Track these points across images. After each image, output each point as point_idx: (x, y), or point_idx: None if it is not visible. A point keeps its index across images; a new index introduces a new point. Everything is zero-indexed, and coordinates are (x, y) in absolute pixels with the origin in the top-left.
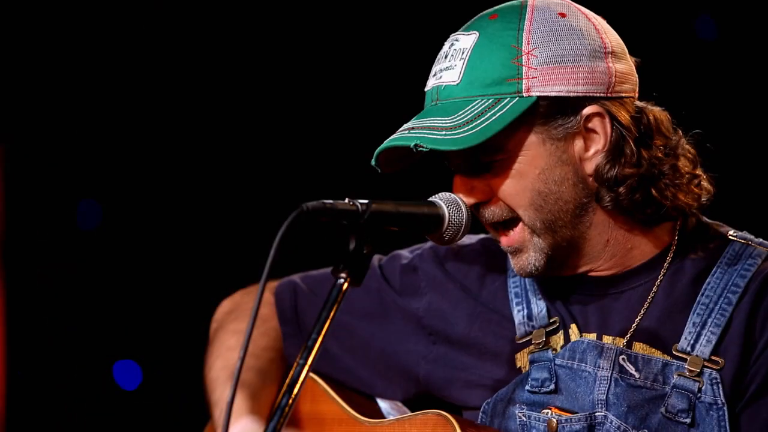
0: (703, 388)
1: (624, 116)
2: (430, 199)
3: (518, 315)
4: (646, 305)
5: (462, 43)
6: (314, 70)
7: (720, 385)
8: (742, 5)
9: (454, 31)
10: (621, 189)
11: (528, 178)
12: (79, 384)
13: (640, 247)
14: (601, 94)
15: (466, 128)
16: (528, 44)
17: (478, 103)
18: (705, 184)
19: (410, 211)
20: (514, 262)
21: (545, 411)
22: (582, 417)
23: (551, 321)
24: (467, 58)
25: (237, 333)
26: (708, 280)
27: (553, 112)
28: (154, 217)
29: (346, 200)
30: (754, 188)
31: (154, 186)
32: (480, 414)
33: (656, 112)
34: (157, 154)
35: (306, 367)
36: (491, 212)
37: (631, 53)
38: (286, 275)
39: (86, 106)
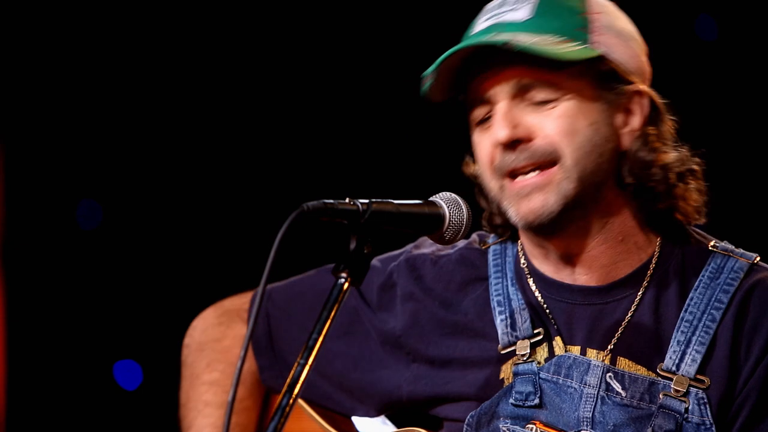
0: (689, 408)
1: (660, 105)
2: (430, 199)
3: (501, 324)
4: (628, 317)
5: None
6: (314, 70)
7: (707, 405)
8: (743, 6)
9: (453, 33)
10: (654, 171)
11: (581, 123)
12: (80, 384)
13: (627, 247)
14: (641, 81)
15: (555, 47)
16: (593, 7)
17: (551, 38)
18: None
19: (411, 211)
20: (524, 204)
21: (529, 426)
22: None
23: (535, 332)
24: (536, 2)
25: (213, 386)
26: (691, 295)
27: (609, 77)
28: (154, 217)
29: (347, 200)
30: (755, 187)
31: (154, 186)
32: (465, 426)
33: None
34: (158, 154)
35: (306, 367)
36: (530, 151)
37: None
38: (287, 275)
39: (86, 106)
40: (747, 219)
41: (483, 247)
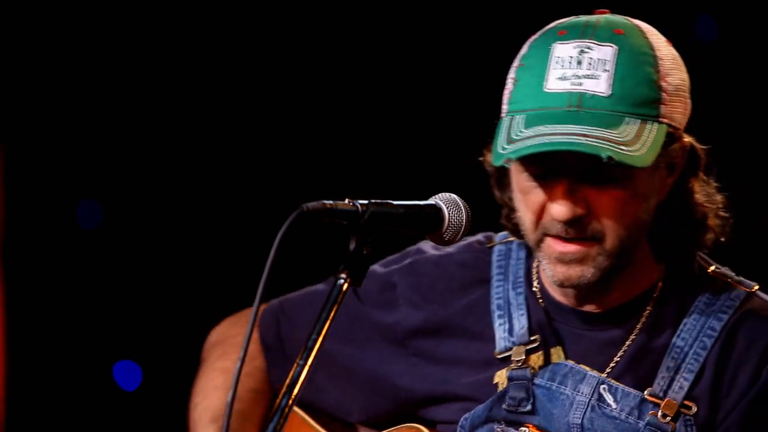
0: (676, 430)
1: (699, 150)
2: (429, 199)
3: (499, 329)
4: (628, 344)
5: (599, 53)
6: (314, 70)
7: (694, 428)
8: (744, 5)
9: (454, 33)
10: (695, 218)
11: (634, 204)
12: (79, 384)
13: (634, 282)
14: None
15: (637, 146)
16: (663, 69)
17: (630, 122)
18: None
19: (410, 212)
20: (560, 271)
21: (523, 429)
22: None
23: (532, 339)
24: (613, 71)
25: (224, 372)
26: (684, 320)
27: (668, 143)
28: (154, 218)
29: (346, 201)
30: (757, 187)
31: (154, 186)
32: (458, 428)
33: (701, 149)
34: (158, 155)
35: (306, 368)
36: (580, 228)
37: None
38: (287, 276)
39: (87, 106)
40: (748, 219)
41: (488, 246)
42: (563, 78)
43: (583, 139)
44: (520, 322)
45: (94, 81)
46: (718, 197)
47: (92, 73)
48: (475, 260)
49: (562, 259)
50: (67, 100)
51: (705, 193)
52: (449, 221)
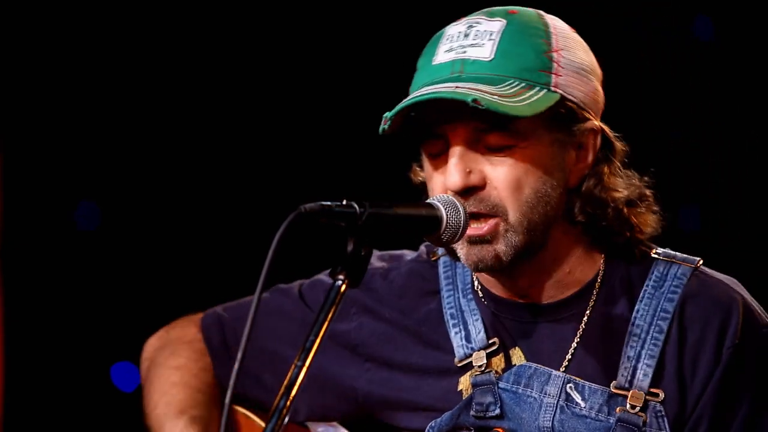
0: (647, 421)
1: (614, 140)
2: (427, 201)
3: (456, 337)
4: (578, 336)
5: (486, 26)
6: (312, 71)
7: (665, 418)
8: (740, 6)
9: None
10: (609, 210)
11: (531, 176)
12: (77, 385)
13: (574, 273)
14: (596, 115)
15: (516, 99)
16: (556, 43)
17: (514, 83)
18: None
19: (408, 213)
20: (473, 252)
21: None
22: None
23: (490, 342)
24: (498, 39)
25: (179, 369)
26: (637, 307)
27: (565, 117)
28: (153, 219)
29: (344, 202)
30: (755, 187)
31: (153, 188)
32: None
33: (620, 144)
34: (156, 156)
35: (304, 369)
36: (479, 198)
37: (628, 56)
38: (285, 277)
39: (85, 108)
40: (746, 217)
41: (433, 259)
42: (450, 50)
43: (451, 89)
44: (476, 327)
45: (92, 83)
46: (646, 191)
47: (91, 76)
48: (423, 272)
49: (473, 241)
50: (65, 102)
51: (624, 184)
52: (447, 222)
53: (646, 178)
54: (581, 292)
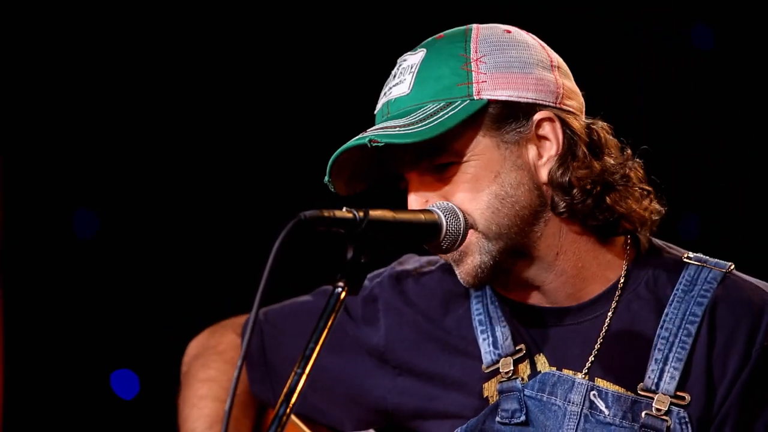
0: (671, 426)
1: (574, 123)
2: (427, 208)
3: (483, 343)
4: (602, 337)
5: (409, 60)
6: (313, 77)
7: (689, 424)
8: (739, 15)
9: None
10: (575, 191)
11: (484, 182)
12: (77, 393)
13: (591, 269)
14: (551, 104)
15: (419, 125)
16: (476, 53)
17: (429, 107)
18: (655, 204)
19: (408, 220)
20: (459, 270)
21: None
22: None
23: (517, 348)
24: (416, 71)
25: (208, 381)
26: (666, 310)
27: (504, 117)
28: (151, 227)
29: (344, 209)
30: (753, 194)
31: (151, 195)
32: None
33: (605, 127)
34: (155, 164)
35: (303, 377)
36: None
37: (628, 61)
38: (284, 285)
39: (84, 115)
40: (745, 225)
41: None
42: (383, 95)
43: (360, 136)
44: (503, 334)
45: (91, 90)
46: (630, 173)
47: (89, 83)
48: (454, 277)
49: (454, 258)
50: (64, 109)
51: (595, 165)
52: (447, 230)
53: (638, 160)
54: (604, 294)
